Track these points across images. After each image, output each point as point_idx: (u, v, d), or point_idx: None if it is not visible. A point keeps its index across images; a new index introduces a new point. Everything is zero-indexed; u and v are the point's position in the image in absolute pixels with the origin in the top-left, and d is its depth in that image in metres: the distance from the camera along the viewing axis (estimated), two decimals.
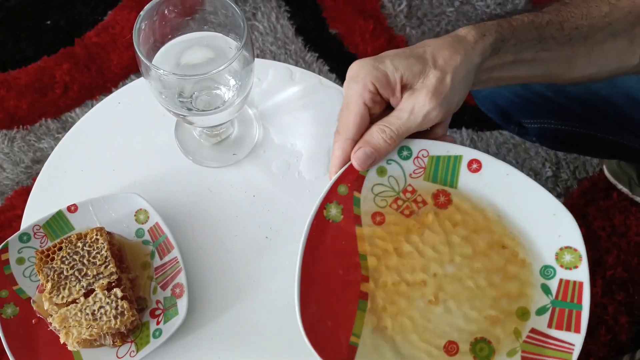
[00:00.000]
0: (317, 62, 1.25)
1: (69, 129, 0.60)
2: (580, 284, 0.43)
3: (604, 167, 1.14)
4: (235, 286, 0.53)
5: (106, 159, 0.58)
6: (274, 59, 1.25)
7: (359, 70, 0.44)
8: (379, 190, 0.48)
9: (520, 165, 1.15)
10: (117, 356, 0.48)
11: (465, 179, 0.47)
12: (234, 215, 0.56)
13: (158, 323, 0.49)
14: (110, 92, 1.20)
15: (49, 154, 0.59)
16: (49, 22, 1.30)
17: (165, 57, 0.50)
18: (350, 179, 0.47)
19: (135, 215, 0.53)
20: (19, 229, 0.52)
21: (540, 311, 0.44)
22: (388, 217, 0.48)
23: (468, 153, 0.47)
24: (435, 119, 0.45)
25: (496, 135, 1.18)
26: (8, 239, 0.51)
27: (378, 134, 0.45)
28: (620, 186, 1.12)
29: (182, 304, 0.49)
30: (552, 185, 1.14)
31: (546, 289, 0.44)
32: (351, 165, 0.46)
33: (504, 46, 0.46)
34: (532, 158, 1.16)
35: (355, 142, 0.46)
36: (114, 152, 0.59)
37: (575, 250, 0.44)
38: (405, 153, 0.47)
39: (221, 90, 0.52)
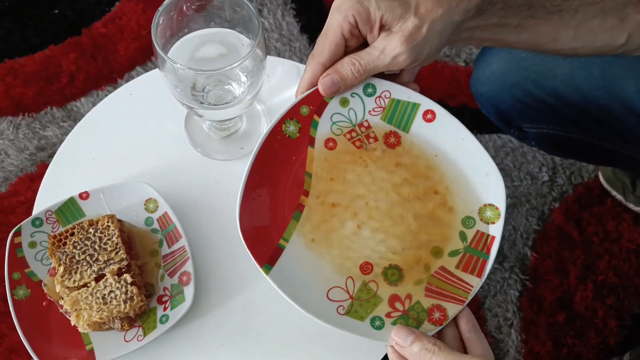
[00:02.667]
0: None
1: (73, 118, 0.61)
2: (493, 237, 0.48)
3: (599, 174, 1.16)
4: (239, 275, 0.55)
5: (117, 149, 0.60)
6: (278, 55, 1.26)
7: (343, 2, 0.46)
8: (337, 119, 0.51)
9: (517, 168, 1.17)
10: (124, 340, 0.50)
11: (418, 126, 0.51)
12: None
13: (165, 309, 0.51)
14: (116, 82, 1.22)
15: (54, 142, 0.60)
16: (56, 12, 1.31)
17: (179, 51, 0.52)
18: (314, 102, 0.50)
19: (144, 204, 0.55)
20: (22, 215, 0.53)
21: (453, 253, 0.49)
22: (339, 145, 0.51)
23: (426, 103, 0.51)
24: (402, 63, 0.47)
25: (495, 139, 1.19)
26: (21, 223, 0.52)
27: (348, 65, 0.48)
28: (614, 193, 1.14)
29: (189, 291, 0.51)
30: (547, 189, 1.16)
31: (463, 236, 0.49)
32: (317, 89, 0.49)
33: (491, 8, 0.47)
34: (529, 162, 1.18)
35: (326, 68, 0.48)
36: (125, 142, 0.60)
37: (497, 208, 0.49)
38: (369, 90, 0.50)
39: (232, 86, 0.54)
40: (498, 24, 0.49)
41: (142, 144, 0.60)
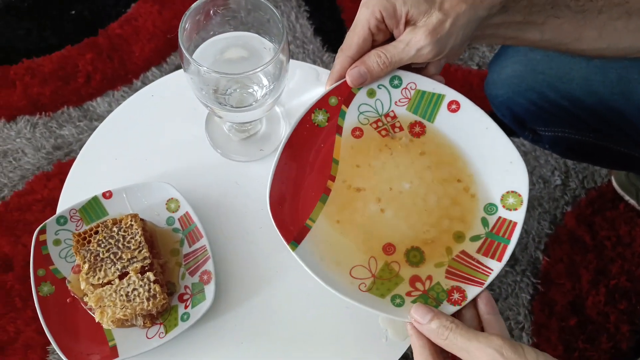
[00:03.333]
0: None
1: (89, 118, 0.63)
2: (515, 223, 0.49)
3: (612, 178, 1.16)
4: (258, 275, 0.56)
5: (139, 149, 0.61)
6: (292, 58, 1.27)
7: None
8: (364, 109, 0.53)
9: (529, 172, 1.17)
10: (146, 337, 0.51)
11: (443, 116, 0.52)
12: (259, 208, 0.58)
13: (186, 307, 0.52)
14: (131, 83, 1.23)
15: (70, 141, 0.62)
16: (73, 12, 1.33)
17: (203, 53, 0.53)
18: (342, 94, 0.52)
19: (166, 204, 0.56)
20: (38, 212, 0.54)
21: (474, 238, 0.50)
22: (366, 134, 0.53)
23: (451, 94, 0.52)
24: (426, 56, 0.49)
25: None
26: (46, 221, 0.53)
27: (374, 57, 0.50)
28: (627, 197, 1.14)
29: (210, 290, 0.52)
30: (560, 193, 1.16)
31: (485, 222, 0.50)
32: (345, 81, 0.51)
33: (515, 5, 0.49)
34: (541, 166, 1.18)
35: (354, 60, 0.51)
36: (147, 142, 0.61)
37: (519, 195, 0.49)
38: (396, 82, 0.52)
39: (254, 90, 0.55)
40: (522, 21, 0.50)
41: (163, 144, 0.61)
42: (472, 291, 0.47)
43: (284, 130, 0.63)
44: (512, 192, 0.50)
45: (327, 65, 1.27)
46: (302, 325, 0.53)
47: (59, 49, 1.27)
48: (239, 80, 0.53)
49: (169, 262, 0.55)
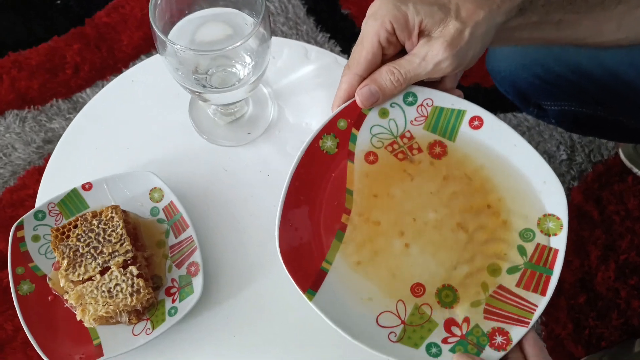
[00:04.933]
0: (328, 43, 1.23)
1: (80, 110, 0.60)
2: (556, 251, 0.45)
3: (620, 151, 1.13)
4: (249, 265, 0.53)
5: (120, 138, 0.58)
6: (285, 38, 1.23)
7: (379, 8, 0.44)
8: (377, 131, 0.48)
9: (534, 148, 1.14)
10: (132, 333, 0.48)
11: (465, 134, 0.48)
12: (249, 194, 0.56)
13: (173, 301, 0.49)
14: (121, 72, 1.19)
15: (60, 134, 0.59)
16: (58, 2, 1.29)
17: (180, 33, 0.49)
18: (351, 115, 0.48)
19: (149, 194, 0.53)
20: (30, 208, 0.52)
21: (512, 270, 0.45)
22: (381, 159, 0.48)
23: (472, 109, 0.48)
24: (445, 70, 0.44)
25: (510, 118, 1.16)
26: (23, 217, 0.51)
27: (387, 74, 0.45)
28: (635, 170, 1.10)
29: (198, 282, 0.49)
30: (566, 168, 1.12)
31: (522, 251, 0.46)
32: (355, 101, 0.47)
33: (532, 6, 0.45)
34: (546, 141, 1.15)
35: (363, 78, 0.46)
36: (128, 130, 0.58)
37: (558, 218, 0.45)
38: (410, 99, 0.48)
39: (236, 68, 0.51)
40: (538, 21, 0.46)
41: (146, 132, 0.58)
42: (516, 332, 0.43)
43: (272, 112, 0.59)
44: (550, 215, 0.45)
45: (321, 47, 1.23)
46: (298, 315, 0.51)
47: (46, 41, 1.23)
48: (219, 59, 0.50)
49: (154, 255, 0.52)
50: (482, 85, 1.17)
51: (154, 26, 0.44)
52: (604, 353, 0.95)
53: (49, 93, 1.19)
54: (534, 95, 0.80)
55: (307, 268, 0.45)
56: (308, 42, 1.24)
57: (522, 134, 1.15)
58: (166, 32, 0.48)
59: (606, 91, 0.73)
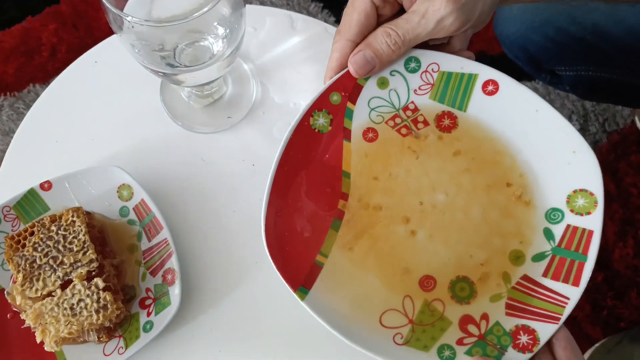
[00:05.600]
0: (322, 13, 1.15)
1: None
2: (590, 232, 0.38)
3: (636, 119, 1.06)
4: (235, 268, 0.47)
5: (83, 128, 0.51)
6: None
7: None
8: (376, 104, 0.42)
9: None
10: (103, 353, 0.42)
11: (478, 101, 0.41)
12: (232, 187, 0.49)
13: (149, 314, 0.43)
14: None
15: None
16: None
17: (138, 5, 0.42)
18: (346, 87, 0.41)
19: (117, 192, 0.47)
20: None
21: (538, 257, 0.39)
22: (382, 134, 0.42)
23: (485, 72, 0.41)
24: (450, 28, 0.38)
25: None
26: None
27: (382, 37, 0.39)
28: None
29: (174, 292, 0.43)
30: None
31: (549, 234, 0.39)
32: (348, 71, 0.41)
33: None
34: (557, 110, 1.07)
35: (357, 44, 0.40)
36: (92, 119, 0.51)
37: (592, 194, 0.38)
38: (412, 65, 0.42)
39: (209, 41, 0.44)
40: None
41: (112, 120, 0.51)
42: (544, 330, 0.37)
43: (255, 92, 0.52)
44: (581, 190, 0.38)
45: (313, 17, 1.14)
46: (293, 323, 0.44)
47: (19, 22, 1.15)
48: (188, 33, 0.43)
49: (126, 262, 0.46)
50: (488, 52, 1.09)
51: (104, 1, 0.37)
52: (624, 335, 0.90)
53: (25, 78, 1.11)
54: (546, 60, 0.73)
55: (299, 263, 0.39)
56: (300, 12, 1.15)
57: None
58: (120, 6, 0.41)
59: (626, 52, 0.66)
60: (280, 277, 0.38)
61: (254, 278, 0.46)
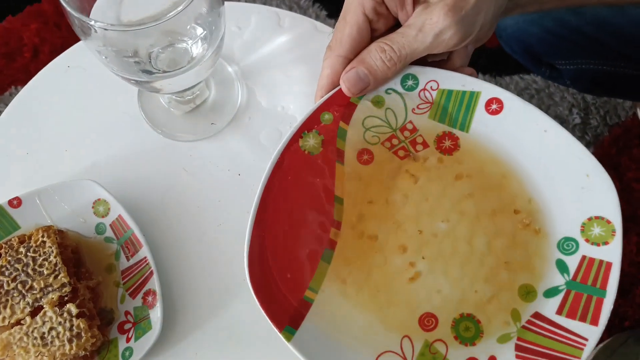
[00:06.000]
0: (313, 7, 1.11)
1: None
2: (609, 265, 0.35)
3: (638, 111, 1.03)
4: (221, 288, 0.43)
5: (55, 139, 0.48)
6: (264, 4, 1.11)
7: None
8: (371, 124, 0.39)
9: (545, 112, 1.04)
10: None
11: (481, 121, 0.38)
12: (216, 199, 0.46)
13: (128, 340, 0.40)
14: None
15: None
16: None
17: (106, 7, 0.38)
18: (338, 107, 0.39)
19: (93, 207, 0.43)
20: None
21: (550, 293, 0.36)
22: (378, 157, 0.39)
23: (488, 90, 0.38)
24: (449, 42, 0.35)
25: (517, 80, 1.05)
26: None
27: (376, 52, 0.37)
28: None
29: (156, 315, 0.40)
30: (580, 133, 1.02)
31: (562, 266, 0.36)
32: (341, 89, 0.38)
33: None
34: (557, 104, 1.04)
35: (349, 60, 0.38)
36: (65, 129, 0.48)
37: (609, 222, 0.35)
38: (410, 83, 0.39)
39: (187, 44, 0.41)
40: None
41: (87, 130, 0.48)
42: None
43: (240, 96, 0.49)
44: (597, 218, 0.35)
45: (304, 11, 1.11)
46: (281, 349, 0.41)
47: None
48: (163, 36, 0.40)
49: (104, 283, 0.42)
50: (486, 45, 1.06)
51: (64, 4, 0.33)
52: (630, 334, 0.87)
53: (7, 80, 1.08)
54: (546, 53, 0.70)
55: (286, 299, 0.36)
56: (290, 7, 1.11)
57: (531, 97, 1.05)
58: (87, 8, 0.37)
59: (629, 43, 0.64)
60: (265, 315, 0.35)
61: (242, 298, 0.43)
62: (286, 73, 0.50)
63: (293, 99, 0.49)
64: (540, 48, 0.70)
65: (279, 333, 0.35)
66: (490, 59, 1.05)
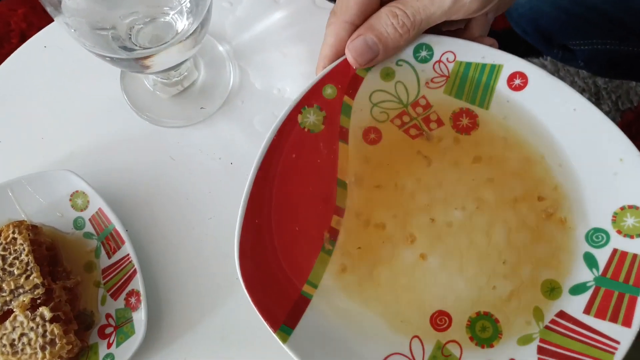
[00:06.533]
0: None
1: None
2: None
3: None
4: (211, 287, 0.40)
5: (30, 126, 0.44)
6: None
7: None
8: (379, 99, 0.36)
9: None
10: None
11: (503, 97, 0.35)
12: (206, 190, 0.42)
13: (109, 345, 0.37)
14: None
15: None
16: None
17: None
18: (342, 79, 0.35)
19: (71, 200, 0.40)
20: None
21: (577, 290, 0.33)
22: (386, 136, 0.36)
23: (512, 63, 0.34)
24: (470, 7, 0.32)
25: None
26: None
27: (387, 18, 0.33)
28: None
29: (139, 317, 0.36)
30: None
31: (591, 261, 0.33)
32: (345, 59, 0.34)
33: None
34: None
35: (356, 27, 0.34)
36: (41, 115, 0.44)
37: None
38: (423, 53, 0.35)
39: (171, 17, 0.37)
40: None
41: (65, 115, 0.44)
42: None
43: (232, 77, 0.45)
44: (630, 207, 0.32)
45: None
46: (278, 352, 0.38)
47: None
48: (144, 8, 0.36)
49: (84, 283, 0.39)
50: (492, 28, 1.02)
51: None
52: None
53: None
54: (559, 34, 0.67)
55: (281, 295, 0.33)
56: None
57: None
58: None
59: None
60: (258, 313, 0.31)
61: (234, 298, 0.39)
62: (282, 52, 0.46)
63: (290, 80, 0.45)
64: (553, 27, 0.66)
65: (273, 333, 0.31)
66: (500, 41, 1.01)
